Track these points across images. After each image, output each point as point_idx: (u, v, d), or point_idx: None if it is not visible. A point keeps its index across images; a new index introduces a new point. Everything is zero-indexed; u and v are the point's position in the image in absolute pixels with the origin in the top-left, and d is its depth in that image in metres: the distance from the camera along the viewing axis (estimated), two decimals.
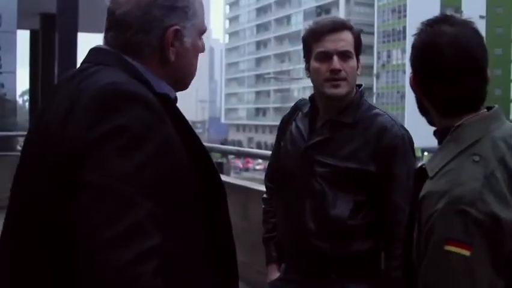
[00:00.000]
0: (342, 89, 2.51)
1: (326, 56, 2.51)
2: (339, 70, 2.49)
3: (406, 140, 2.51)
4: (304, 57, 2.63)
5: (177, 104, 1.64)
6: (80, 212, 1.34)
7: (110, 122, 1.38)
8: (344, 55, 2.51)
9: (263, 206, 2.89)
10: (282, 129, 2.77)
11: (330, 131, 2.55)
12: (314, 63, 2.54)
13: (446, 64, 1.63)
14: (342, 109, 2.55)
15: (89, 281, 1.30)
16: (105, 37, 1.63)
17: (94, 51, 1.62)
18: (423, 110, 1.76)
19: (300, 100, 2.78)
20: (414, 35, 1.72)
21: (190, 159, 1.54)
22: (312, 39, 2.55)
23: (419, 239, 1.59)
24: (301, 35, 2.66)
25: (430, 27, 1.70)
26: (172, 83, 1.64)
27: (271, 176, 2.88)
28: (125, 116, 1.39)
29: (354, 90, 2.59)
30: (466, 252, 1.47)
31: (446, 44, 1.64)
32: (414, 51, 1.71)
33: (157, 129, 1.43)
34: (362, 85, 2.64)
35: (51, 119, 1.49)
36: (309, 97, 2.67)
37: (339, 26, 2.53)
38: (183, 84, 1.70)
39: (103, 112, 1.40)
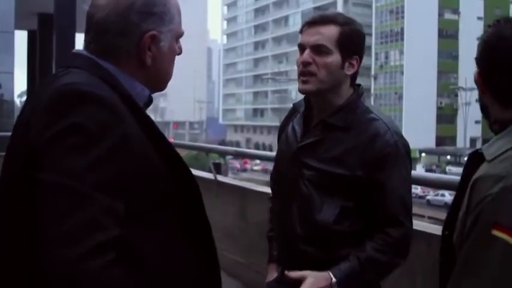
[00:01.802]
0: (311, 85, 2.42)
1: (302, 49, 2.45)
2: (308, 63, 2.41)
3: (400, 147, 2.39)
4: None
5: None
6: (37, 210, 1.39)
7: (65, 120, 1.44)
8: (317, 49, 2.41)
9: (270, 205, 2.84)
10: (281, 131, 2.73)
11: (322, 133, 2.47)
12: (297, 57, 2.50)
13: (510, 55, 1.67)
14: (336, 110, 2.46)
15: (44, 276, 1.36)
16: (84, 40, 1.69)
17: (70, 55, 1.69)
18: (484, 108, 1.79)
19: (300, 101, 2.69)
20: (482, 36, 1.76)
21: (159, 158, 1.58)
22: (300, 31, 2.51)
23: (465, 220, 1.58)
24: None
25: (496, 24, 1.74)
26: (148, 85, 1.69)
27: (272, 177, 2.85)
28: (80, 114, 1.45)
29: (350, 90, 2.49)
30: None
31: (510, 36, 1.68)
32: (480, 46, 1.74)
33: (112, 128, 1.47)
34: (360, 85, 2.53)
35: (21, 120, 1.58)
36: (304, 97, 2.59)
37: (321, 20, 2.43)
38: (160, 87, 1.77)
39: (58, 111, 1.46)
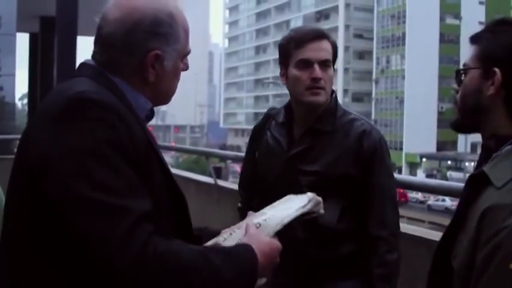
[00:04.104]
0: (321, 97, 2.56)
1: (307, 64, 2.54)
2: (320, 79, 2.53)
3: (383, 142, 2.59)
4: (280, 63, 2.64)
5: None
6: (73, 224, 1.45)
7: (78, 130, 1.48)
8: (324, 64, 2.55)
9: (239, 216, 2.85)
10: (255, 138, 2.79)
11: (311, 140, 2.59)
12: (294, 71, 2.57)
13: None
14: (319, 117, 2.59)
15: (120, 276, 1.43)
16: (93, 50, 1.73)
17: (79, 66, 1.73)
18: (483, 110, 1.68)
19: (271, 108, 2.82)
20: (492, 31, 1.67)
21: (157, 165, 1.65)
22: (292, 46, 2.57)
23: (472, 250, 1.48)
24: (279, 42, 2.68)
25: None
26: (152, 99, 1.74)
27: (246, 184, 2.89)
28: (92, 123, 1.50)
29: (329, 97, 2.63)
30: None
31: None
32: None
33: (124, 134, 1.52)
34: (334, 91, 2.67)
35: (29, 128, 1.62)
36: (285, 106, 2.70)
37: (321, 35, 2.57)
38: (163, 101, 1.81)
39: (69, 120, 1.50)
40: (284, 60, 2.62)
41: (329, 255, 2.55)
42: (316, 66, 2.53)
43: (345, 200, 2.55)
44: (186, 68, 1.80)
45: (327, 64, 2.55)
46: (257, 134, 2.79)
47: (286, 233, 2.49)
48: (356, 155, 2.53)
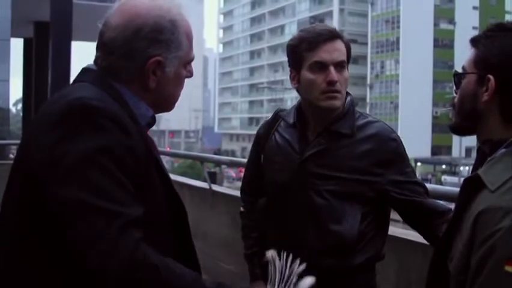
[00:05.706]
0: (338, 101, 2.42)
1: (322, 67, 2.40)
2: (336, 82, 2.39)
3: (401, 142, 2.50)
4: (291, 66, 2.50)
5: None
6: (68, 226, 1.47)
7: (78, 136, 1.49)
8: (339, 66, 2.41)
9: (241, 220, 2.81)
10: (262, 140, 2.66)
11: (328, 142, 2.45)
12: (307, 74, 2.42)
13: None
14: (336, 119, 2.45)
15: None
16: (95, 55, 1.74)
17: (81, 71, 1.74)
18: (478, 115, 1.67)
19: (280, 110, 2.67)
20: (489, 36, 1.67)
21: (156, 174, 1.66)
22: (304, 47, 2.42)
23: (467, 252, 1.49)
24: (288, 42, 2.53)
25: None
26: (153, 106, 1.74)
27: (250, 188, 2.78)
28: (93, 130, 1.51)
29: (344, 99, 2.48)
30: None
31: None
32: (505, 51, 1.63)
33: (124, 142, 1.53)
34: (350, 94, 2.54)
35: (28, 133, 1.63)
36: (296, 107, 2.56)
37: (334, 35, 2.43)
38: (165, 108, 1.81)
39: (69, 126, 1.51)
40: (295, 62, 2.47)
41: (344, 266, 2.41)
42: (331, 69, 2.39)
43: (366, 205, 2.41)
44: (190, 75, 1.80)
45: (342, 65, 2.41)
46: (262, 137, 2.65)
47: (299, 242, 2.38)
48: (377, 158, 2.41)
